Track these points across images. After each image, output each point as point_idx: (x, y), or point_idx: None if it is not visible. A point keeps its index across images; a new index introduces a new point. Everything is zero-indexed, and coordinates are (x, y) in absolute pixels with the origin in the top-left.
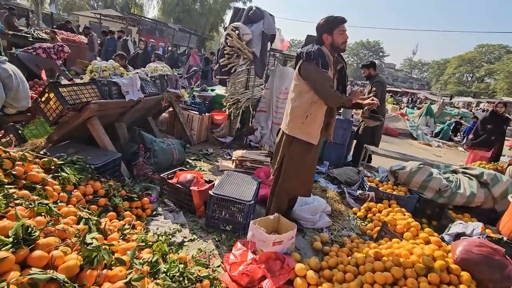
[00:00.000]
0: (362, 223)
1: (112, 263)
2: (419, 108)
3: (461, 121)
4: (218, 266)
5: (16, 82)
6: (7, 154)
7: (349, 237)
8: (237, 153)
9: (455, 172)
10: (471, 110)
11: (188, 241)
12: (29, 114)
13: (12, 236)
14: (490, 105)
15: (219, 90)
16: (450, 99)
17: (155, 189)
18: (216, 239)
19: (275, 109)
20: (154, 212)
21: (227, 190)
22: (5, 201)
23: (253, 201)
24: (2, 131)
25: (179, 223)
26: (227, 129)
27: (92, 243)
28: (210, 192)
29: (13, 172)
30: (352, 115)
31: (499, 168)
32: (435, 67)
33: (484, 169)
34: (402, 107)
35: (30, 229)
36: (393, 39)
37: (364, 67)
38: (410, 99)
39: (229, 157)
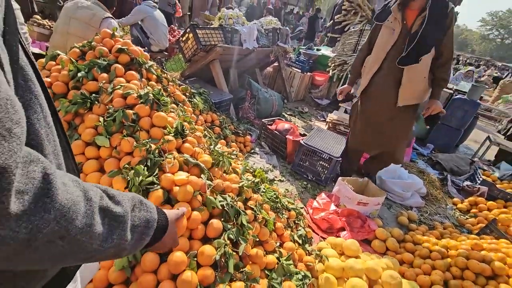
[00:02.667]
0: (462, 216)
1: (228, 172)
2: None
3: None
4: (301, 208)
5: (159, 24)
6: (165, 74)
7: (442, 224)
8: (332, 116)
9: None
10: None
11: (278, 180)
12: (166, 53)
13: (174, 128)
14: None
15: (325, 50)
16: None
17: (254, 132)
18: (302, 186)
19: None
20: (252, 151)
21: (317, 142)
22: (166, 107)
23: (340, 158)
24: None
25: (271, 164)
26: (326, 91)
27: (218, 151)
28: (301, 141)
29: (168, 89)
30: (482, 96)
31: None
32: None
33: None
34: None
35: (183, 127)
36: None
37: None
38: None
39: (323, 119)
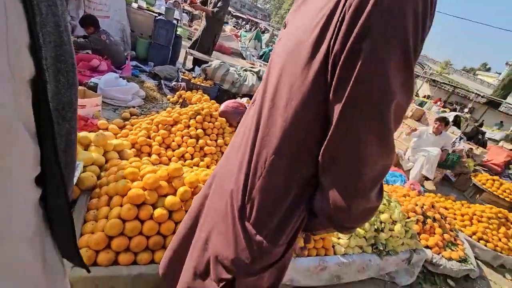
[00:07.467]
0: (173, 105)
1: None
2: None
3: None
4: None
5: None
6: None
7: (158, 112)
8: None
9: (245, 70)
10: None
11: None
12: None
13: None
14: None
15: None
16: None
17: None
18: None
19: None
20: None
21: None
22: None
23: None
24: None
25: None
26: None
27: None
28: None
29: None
30: (178, 19)
31: None
32: (275, 0)
33: (261, 68)
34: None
35: None
36: None
37: None
38: (252, 27)
39: None
